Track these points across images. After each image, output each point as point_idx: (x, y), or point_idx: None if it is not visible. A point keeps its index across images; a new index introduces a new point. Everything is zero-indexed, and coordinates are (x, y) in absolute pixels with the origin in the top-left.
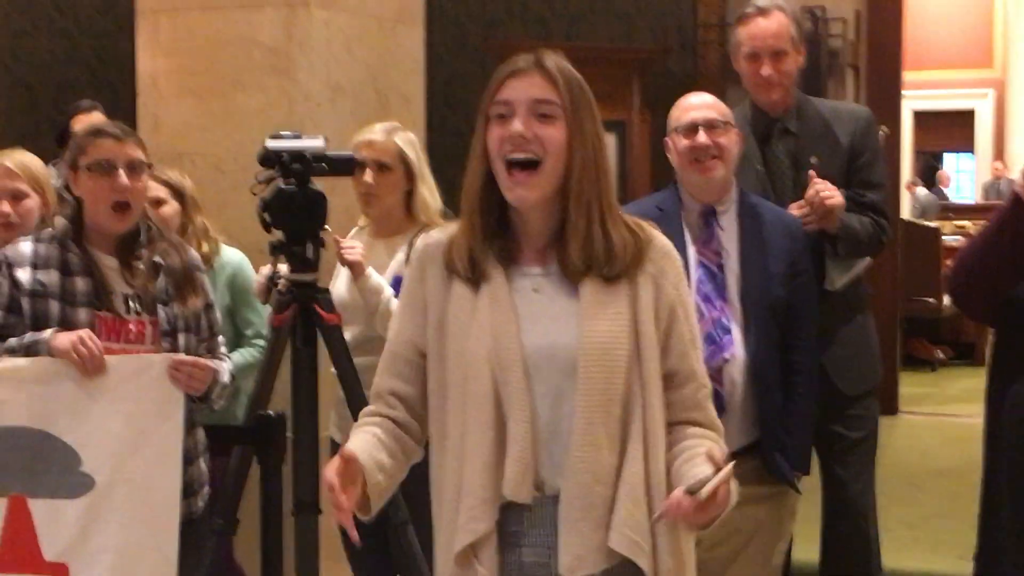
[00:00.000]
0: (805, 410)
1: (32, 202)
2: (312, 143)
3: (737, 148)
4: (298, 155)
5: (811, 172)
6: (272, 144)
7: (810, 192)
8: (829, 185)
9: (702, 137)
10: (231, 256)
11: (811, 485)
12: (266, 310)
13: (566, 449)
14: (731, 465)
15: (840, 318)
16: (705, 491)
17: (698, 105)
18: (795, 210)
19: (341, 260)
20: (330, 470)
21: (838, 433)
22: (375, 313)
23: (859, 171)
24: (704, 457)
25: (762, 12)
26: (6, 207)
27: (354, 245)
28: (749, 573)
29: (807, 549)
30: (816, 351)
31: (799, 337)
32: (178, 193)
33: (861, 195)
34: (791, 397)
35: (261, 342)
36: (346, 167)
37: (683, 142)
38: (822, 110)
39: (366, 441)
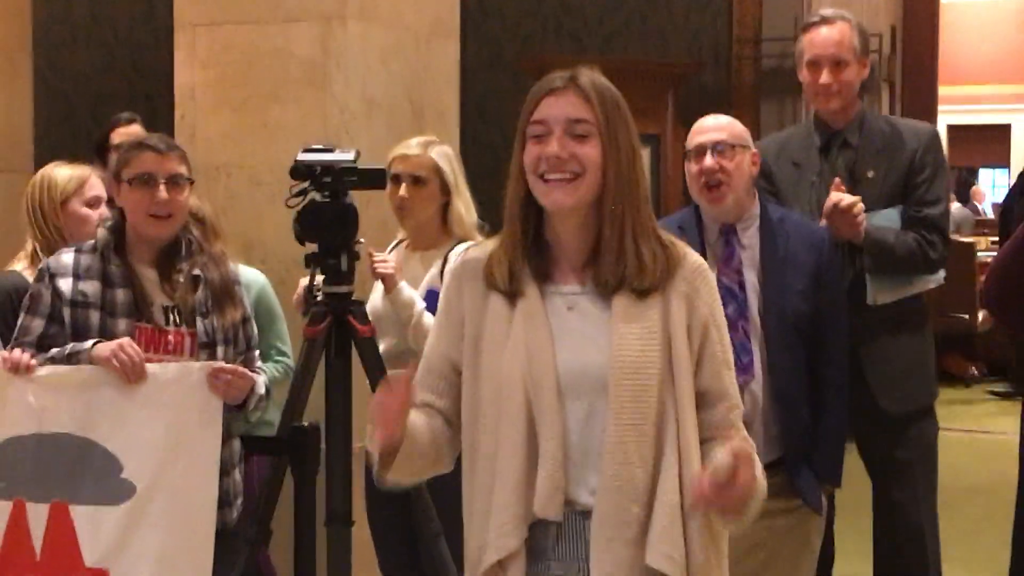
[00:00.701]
0: (835, 424)
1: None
2: (343, 156)
3: (750, 170)
4: (329, 168)
5: (836, 180)
6: (303, 157)
7: (828, 204)
8: (847, 197)
9: (708, 160)
10: (254, 277)
11: (857, 499)
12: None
13: (598, 467)
14: (750, 448)
15: (887, 335)
16: (723, 468)
17: (708, 128)
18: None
19: (373, 273)
20: (378, 396)
21: (888, 454)
22: (407, 326)
23: (917, 187)
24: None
25: (826, 21)
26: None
27: (386, 259)
28: None
29: (854, 564)
30: (846, 365)
31: (828, 351)
32: (198, 219)
33: (918, 211)
34: (821, 411)
35: (285, 360)
36: (377, 180)
37: (693, 167)
38: (884, 125)
39: (414, 419)
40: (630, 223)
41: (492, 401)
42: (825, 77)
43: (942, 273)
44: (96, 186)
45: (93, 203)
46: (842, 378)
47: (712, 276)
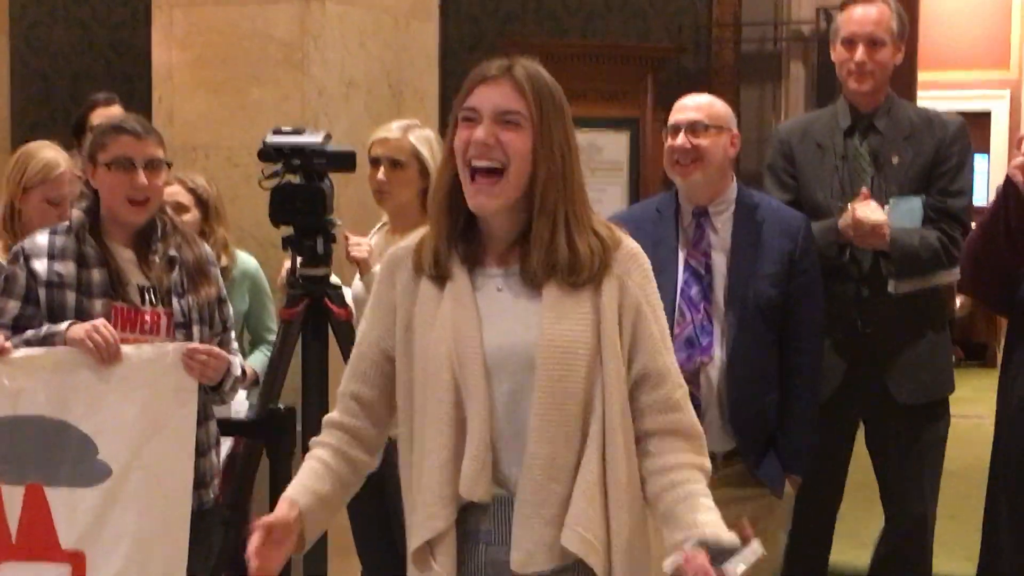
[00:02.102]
0: (804, 411)
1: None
2: (311, 138)
3: (726, 152)
4: (297, 150)
5: (864, 191)
6: (272, 139)
7: (854, 213)
8: (872, 208)
9: (680, 139)
10: (249, 263)
11: (858, 487)
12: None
13: (524, 446)
14: (760, 549)
15: (905, 325)
16: (740, 573)
17: (687, 107)
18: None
19: (348, 256)
20: (252, 546)
21: (898, 444)
22: None
23: (941, 178)
24: (705, 502)
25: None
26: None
27: (360, 242)
28: None
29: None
30: (819, 353)
31: (800, 338)
32: (202, 202)
33: (941, 202)
34: (789, 398)
35: (271, 336)
36: (346, 162)
37: (668, 142)
38: (913, 113)
39: (309, 474)
40: (563, 217)
41: (421, 382)
42: (860, 55)
43: (958, 267)
44: (63, 185)
45: (56, 200)
46: (813, 366)
47: (646, 260)
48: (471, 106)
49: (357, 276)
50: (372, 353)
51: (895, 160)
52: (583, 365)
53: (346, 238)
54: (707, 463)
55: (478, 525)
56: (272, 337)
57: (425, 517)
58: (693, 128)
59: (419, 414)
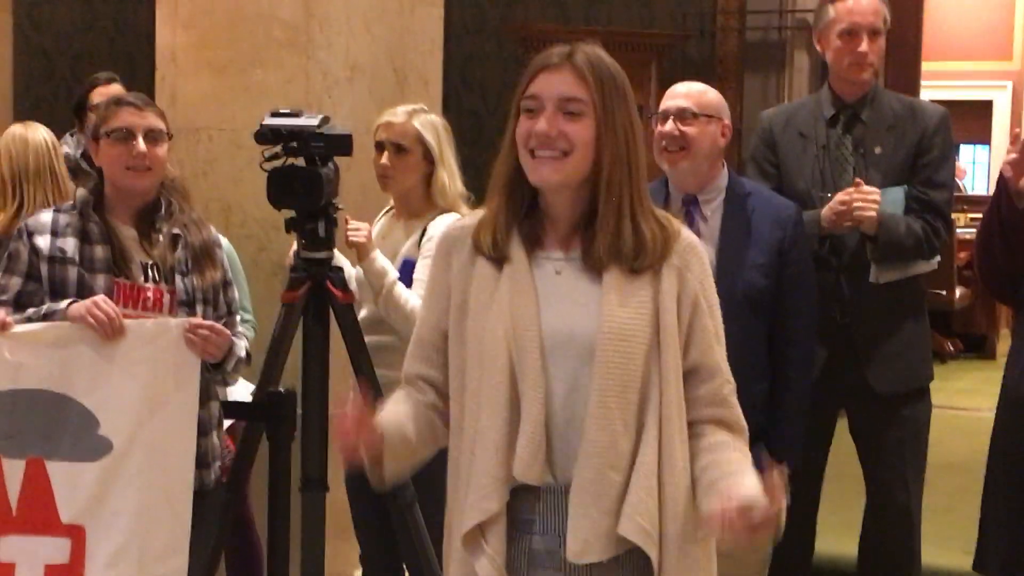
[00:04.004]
0: (795, 402)
1: None
2: (307, 121)
3: (715, 141)
4: (293, 133)
5: (857, 180)
6: (269, 121)
7: (843, 197)
8: (869, 195)
9: (668, 126)
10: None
11: (843, 477)
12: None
13: (580, 435)
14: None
15: (884, 314)
16: (756, 504)
17: (677, 94)
18: (835, 204)
19: (346, 241)
20: (351, 411)
21: (879, 433)
22: (379, 295)
23: (923, 169)
24: (748, 481)
25: None
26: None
27: (359, 227)
28: (727, 568)
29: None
30: (811, 343)
31: (791, 328)
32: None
33: (924, 193)
34: (780, 389)
35: (246, 316)
36: (343, 146)
37: (657, 128)
38: (896, 103)
39: (394, 413)
40: (627, 201)
41: (476, 363)
42: (864, 46)
43: (938, 257)
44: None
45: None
46: (805, 357)
47: (704, 252)
48: (533, 94)
49: (352, 265)
50: (433, 337)
51: (877, 150)
52: (641, 353)
53: (345, 222)
54: (749, 456)
55: (525, 513)
56: (249, 317)
57: (478, 499)
58: (681, 115)
59: (471, 396)
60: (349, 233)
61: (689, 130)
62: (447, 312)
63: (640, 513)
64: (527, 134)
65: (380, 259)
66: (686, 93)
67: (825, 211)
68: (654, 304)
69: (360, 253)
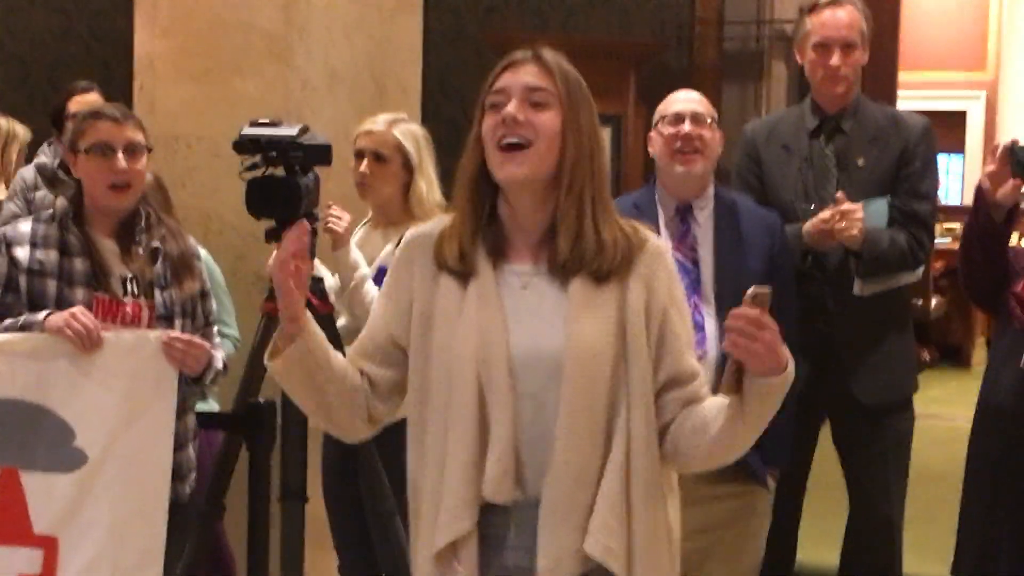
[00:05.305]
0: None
1: None
2: (286, 131)
3: (719, 147)
4: (272, 143)
5: (839, 195)
6: (247, 131)
7: (825, 215)
8: (852, 213)
9: (688, 126)
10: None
11: (827, 486)
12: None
13: (549, 451)
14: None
15: (869, 325)
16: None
17: (686, 99)
18: (817, 222)
19: (324, 227)
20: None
21: (862, 444)
22: (346, 288)
23: (907, 179)
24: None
25: (836, 3)
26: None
27: (341, 215)
28: (721, 572)
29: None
30: (793, 345)
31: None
32: (160, 187)
33: (907, 205)
34: None
35: (227, 330)
36: (322, 156)
37: (668, 130)
38: (879, 114)
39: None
40: (590, 203)
41: (442, 381)
42: (836, 59)
43: (921, 268)
44: None
45: None
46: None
47: (671, 259)
48: (498, 88)
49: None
50: (381, 337)
51: (860, 162)
52: (608, 369)
53: (328, 206)
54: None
55: (496, 530)
56: (228, 331)
57: (449, 518)
58: (696, 119)
59: (436, 413)
60: (330, 218)
61: (705, 133)
62: (403, 317)
63: (603, 532)
64: (493, 126)
65: (354, 252)
66: (698, 99)
67: (807, 227)
68: (620, 317)
69: (336, 242)
